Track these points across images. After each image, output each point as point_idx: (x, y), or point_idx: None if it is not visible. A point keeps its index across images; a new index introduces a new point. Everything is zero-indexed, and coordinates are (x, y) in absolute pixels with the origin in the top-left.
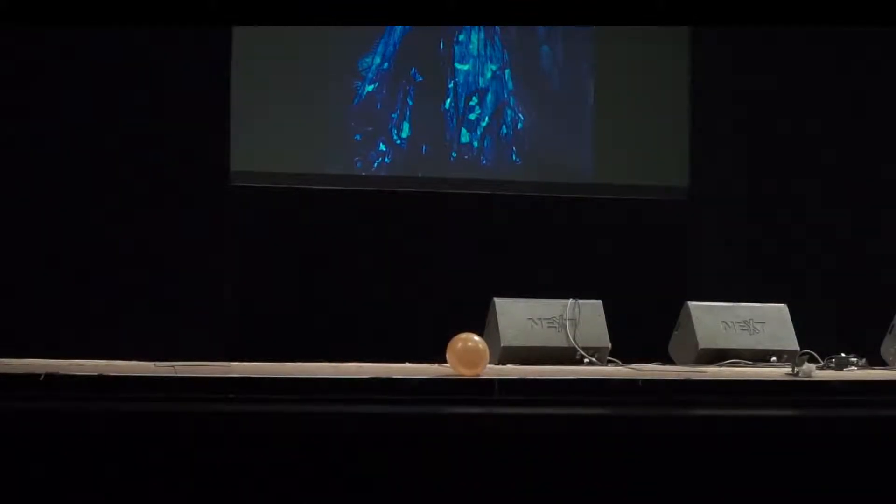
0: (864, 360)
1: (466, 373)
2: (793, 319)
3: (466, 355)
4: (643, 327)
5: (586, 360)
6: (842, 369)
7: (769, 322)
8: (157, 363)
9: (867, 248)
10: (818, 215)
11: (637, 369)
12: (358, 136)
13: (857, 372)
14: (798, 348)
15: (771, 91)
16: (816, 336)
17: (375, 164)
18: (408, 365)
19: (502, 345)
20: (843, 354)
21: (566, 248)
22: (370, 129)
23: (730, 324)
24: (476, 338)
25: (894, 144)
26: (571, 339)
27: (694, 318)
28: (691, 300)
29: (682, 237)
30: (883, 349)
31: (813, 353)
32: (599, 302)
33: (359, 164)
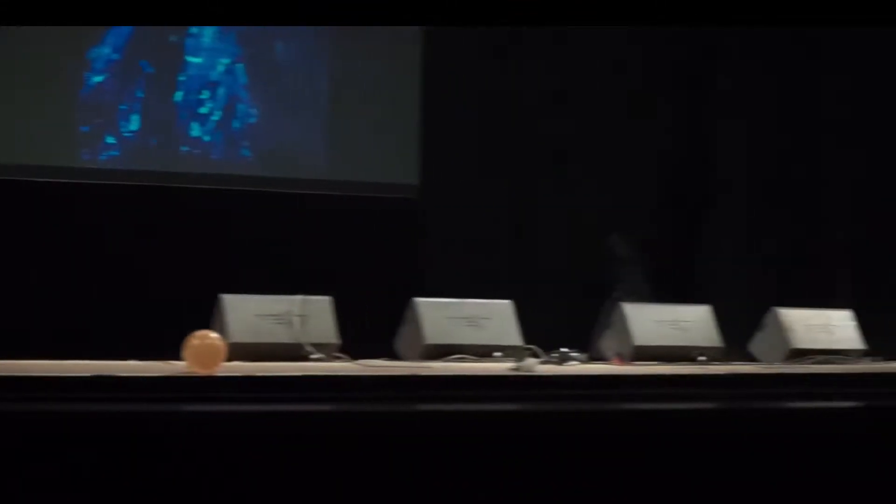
0: (585, 355)
1: (202, 370)
2: (523, 314)
3: (203, 353)
4: (375, 323)
5: (314, 356)
6: (563, 364)
7: (494, 318)
8: None
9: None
10: (550, 212)
11: (364, 365)
12: (85, 128)
13: (578, 367)
14: (521, 343)
15: (503, 90)
16: (543, 331)
17: (103, 157)
18: (132, 362)
19: (230, 341)
20: (564, 350)
21: (297, 243)
22: (98, 120)
23: (456, 319)
24: (213, 335)
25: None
26: (299, 336)
27: (420, 314)
28: (421, 297)
29: (413, 234)
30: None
31: (535, 348)
32: (328, 298)
33: (86, 157)
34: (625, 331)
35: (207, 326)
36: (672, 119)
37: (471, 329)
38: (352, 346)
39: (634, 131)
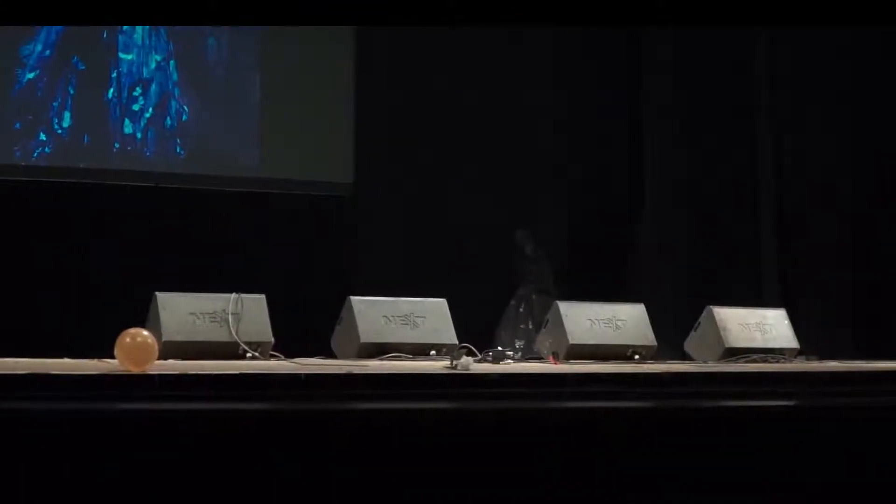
0: (519, 354)
1: (135, 368)
2: (455, 312)
3: (135, 351)
4: (308, 321)
5: (249, 355)
6: (498, 363)
7: (429, 316)
8: None
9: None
10: (482, 211)
11: (300, 364)
12: (17, 125)
13: (512, 365)
14: (456, 342)
15: (431, 90)
16: (476, 330)
17: (35, 154)
18: (66, 360)
19: (163, 339)
20: (499, 348)
21: (231, 240)
22: (30, 117)
23: (391, 318)
24: (145, 333)
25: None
26: (234, 334)
27: (356, 313)
28: (355, 294)
29: (345, 232)
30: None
31: (471, 346)
32: (262, 297)
33: (18, 154)
34: (560, 329)
35: (142, 324)
36: (603, 120)
37: (406, 327)
38: (286, 345)
39: (567, 132)
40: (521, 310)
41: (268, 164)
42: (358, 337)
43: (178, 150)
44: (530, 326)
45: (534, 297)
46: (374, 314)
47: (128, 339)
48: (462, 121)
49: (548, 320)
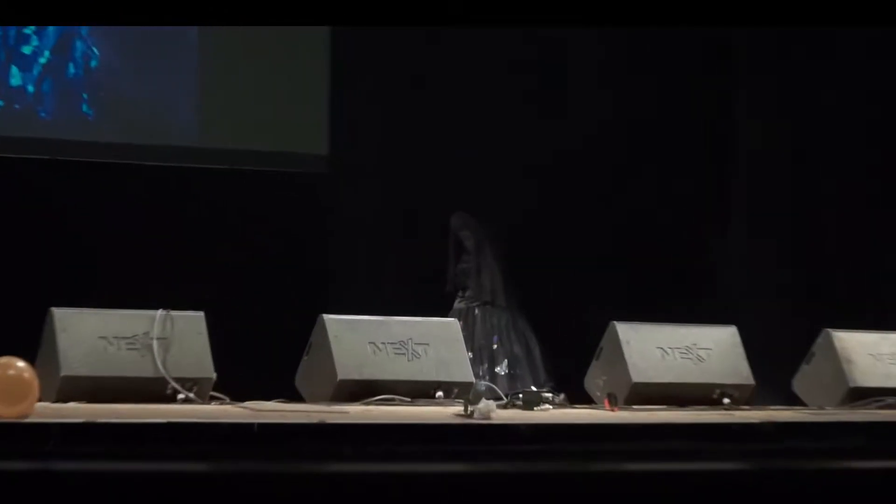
0: (562, 396)
1: (7, 413)
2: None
3: (6, 390)
4: (266, 347)
5: (181, 396)
6: (532, 408)
7: (434, 342)
8: None
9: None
10: (455, 194)
11: (252, 409)
12: None
13: (551, 412)
14: (472, 378)
15: (407, 61)
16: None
17: None
18: None
19: (62, 374)
20: (533, 388)
21: (155, 229)
22: None
23: (380, 345)
24: (21, 364)
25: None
26: (160, 367)
27: (332, 338)
28: (329, 303)
29: (315, 224)
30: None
31: (493, 385)
32: (200, 314)
33: None
34: (619, 362)
35: (33, 349)
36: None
37: (401, 358)
38: (233, 383)
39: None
40: None
41: (207, 130)
42: (334, 372)
43: (84, 109)
44: (469, 354)
45: (476, 311)
46: (356, 340)
47: None
48: (463, 115)
49: (601, 349)
